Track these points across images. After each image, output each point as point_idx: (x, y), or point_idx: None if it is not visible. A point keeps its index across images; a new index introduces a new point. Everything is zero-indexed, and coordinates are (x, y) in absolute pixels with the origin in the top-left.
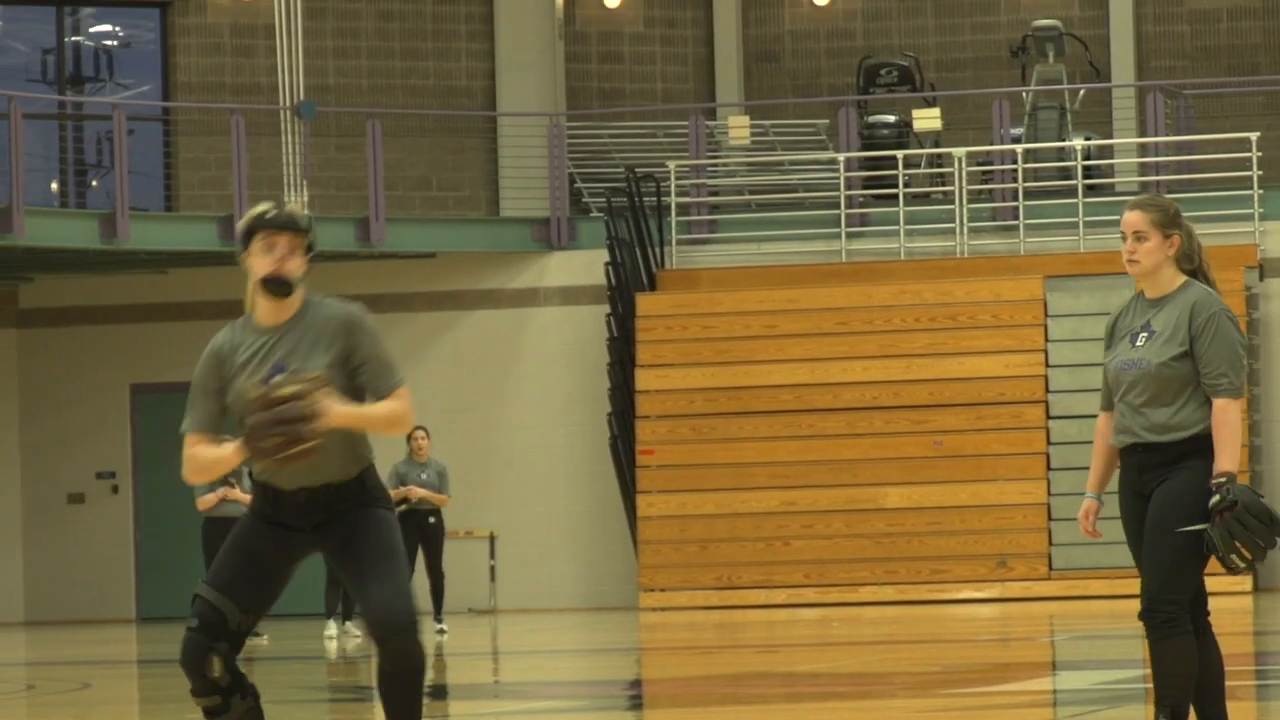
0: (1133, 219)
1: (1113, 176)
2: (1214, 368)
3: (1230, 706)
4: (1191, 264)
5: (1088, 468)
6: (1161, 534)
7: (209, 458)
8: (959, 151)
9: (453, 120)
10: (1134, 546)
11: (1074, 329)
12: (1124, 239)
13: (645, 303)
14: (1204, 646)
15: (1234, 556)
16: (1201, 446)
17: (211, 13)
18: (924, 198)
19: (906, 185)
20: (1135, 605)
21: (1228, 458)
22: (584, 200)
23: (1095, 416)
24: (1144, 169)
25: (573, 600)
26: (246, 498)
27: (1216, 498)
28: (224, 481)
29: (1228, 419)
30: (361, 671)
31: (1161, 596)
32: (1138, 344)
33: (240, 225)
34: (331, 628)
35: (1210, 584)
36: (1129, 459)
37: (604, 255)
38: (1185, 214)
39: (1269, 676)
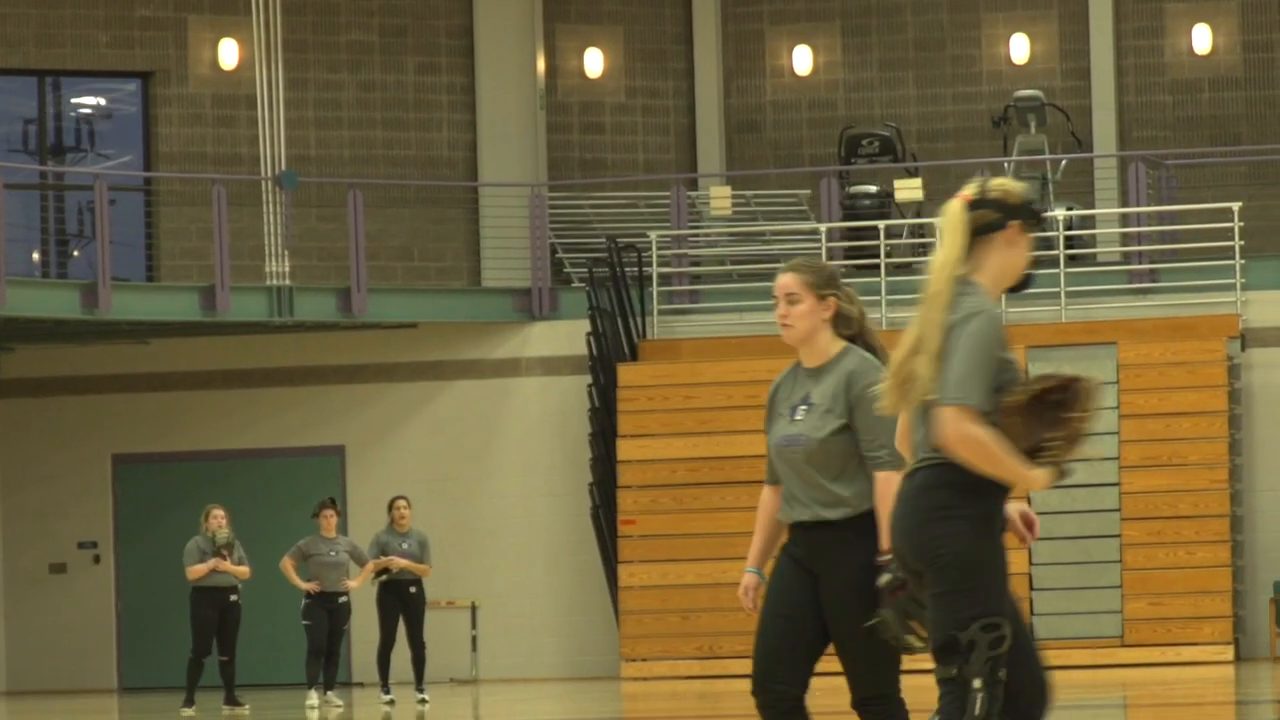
0: (785, 281)
1: (1095, 247)
2: (873, 439)
3: None
4: (850, 329)
5: (1070, 537)
6: (856, 632)
7: (999, 451)
8: (941, 222)
9: (434, 190)
10: (769, 615)
11: None
12: (776, 303)
13: (627, 373)
14: None
15: (910, 638)
16: (869, 525)
17: (193, 83)
18: (906, 268)
19: (888, 255)
20: (1117, 675)
21: (890, 534)
22: (565, 270)
23: (1079, 487)
24: (1126, 239)
25: (554, 670)
26: (240, 570)
27: (887, 577)
28: (215, 553)
29: (889, 492)
30: None
31: (869, 692)
32: (797, 418)
33: (1015, 199)
34: (313, 697)
35: (1191, 654)
36: (796, 533)
37: (585, 325)
38: (1169, 283)
39: None
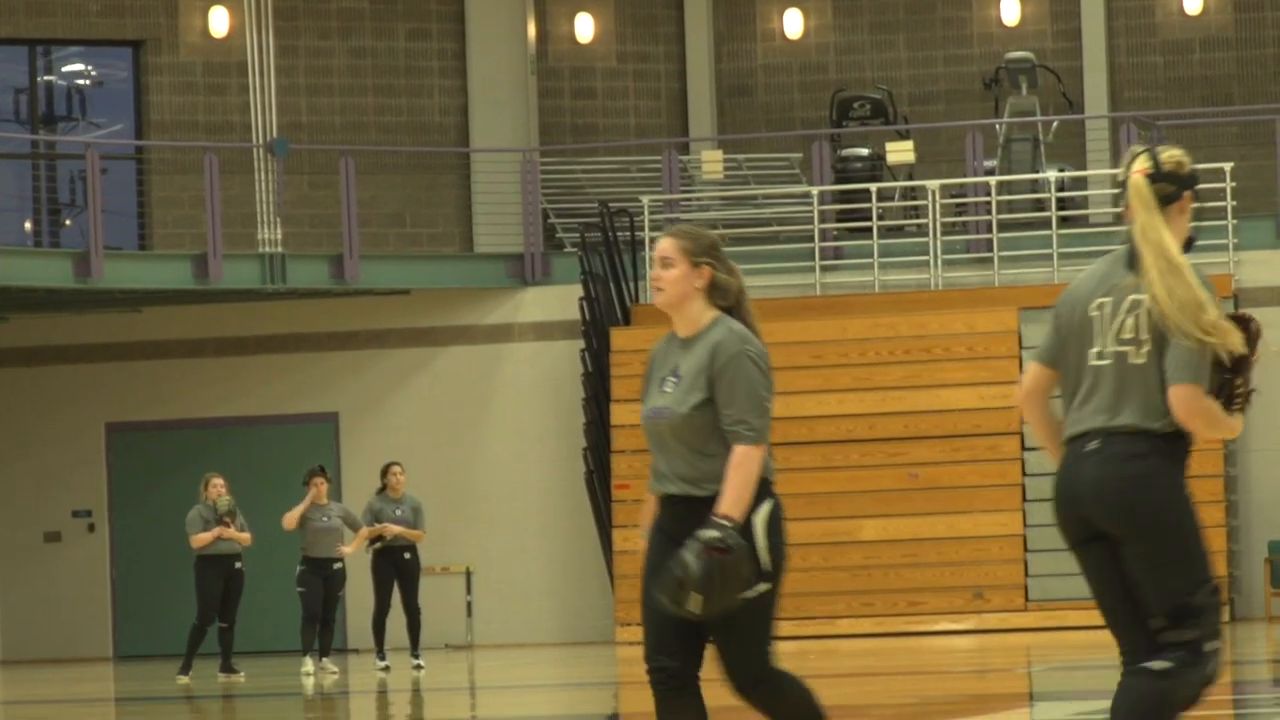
0: (662, 245)
1: (1086, 208)
2: (733, 413)
3: None
4: (727, 300)
5: None
6: (730, 616)
7: (1222, 414)
8: (932, 184)
9: (426, 157)
10: (648, 590)
11: None
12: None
13: (619, 337)
14: (689, 705)
15: (694, 596)
16: None
17: (184, 51)
18: (898, 230)
19: (880, 218)
20: (1111, 636)
21: (732, 502)
22: (558, 235)
23: None
24: (1118, 200)
25: (549, 635)
26: (244, 536)
27: (714, 533)
28: (218, 520)
29: (743, 463)
30: (338, 707)
31: (750, 668)
32: (665, 389)
33: (1186, 171)
34: (308, 664)
35: None
36: (666, 507)
37: (578, 290)
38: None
39: (1245, 706)
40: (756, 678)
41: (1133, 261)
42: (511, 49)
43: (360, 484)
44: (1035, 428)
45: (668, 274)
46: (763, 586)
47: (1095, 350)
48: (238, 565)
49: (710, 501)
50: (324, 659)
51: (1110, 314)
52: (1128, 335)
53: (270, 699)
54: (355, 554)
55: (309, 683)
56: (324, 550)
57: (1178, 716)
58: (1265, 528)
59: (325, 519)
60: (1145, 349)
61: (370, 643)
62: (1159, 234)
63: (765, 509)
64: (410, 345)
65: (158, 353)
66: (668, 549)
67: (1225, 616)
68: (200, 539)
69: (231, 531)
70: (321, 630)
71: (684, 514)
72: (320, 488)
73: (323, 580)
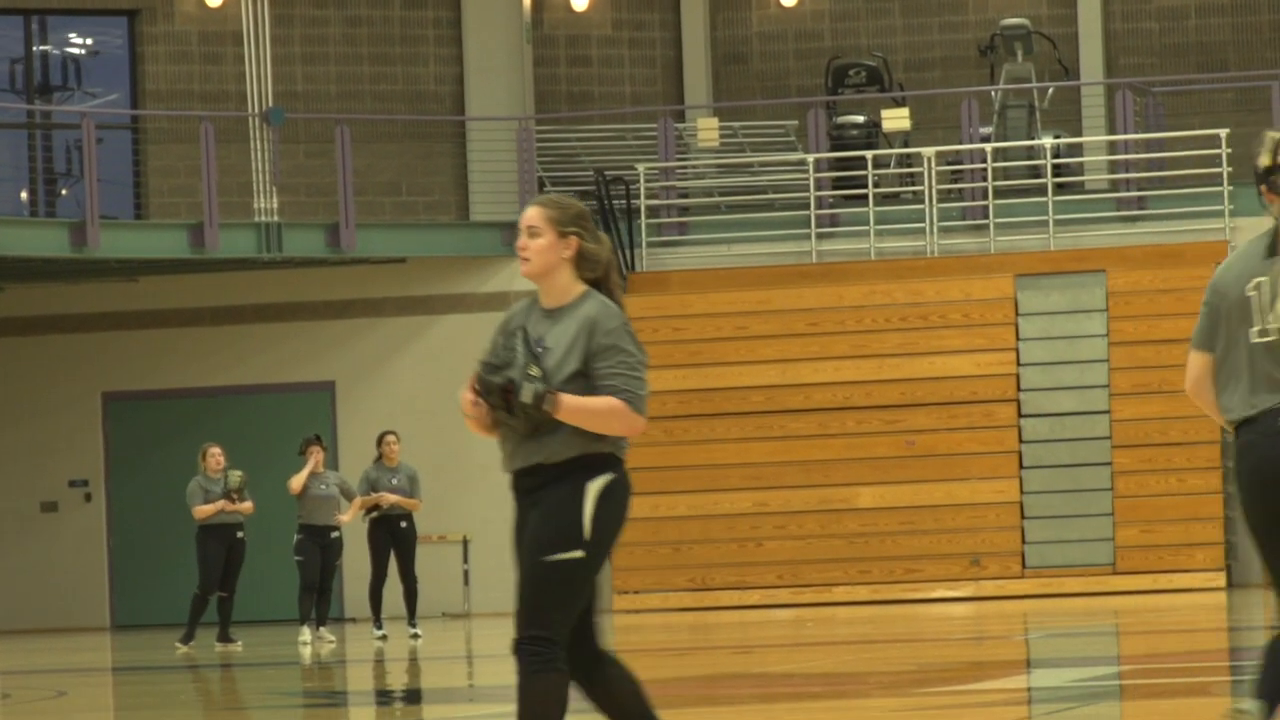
0: (528, 214)
1: (1082, 175)
2: (617, 383)
3: (1204, 703)
4: (594, 272)
5: (1061, 465)
6: (532, 564)
7: None
8: (928, 151)
9: (422, 125)
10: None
11: (1045, 327)
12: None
13: None
14: (613, 675)
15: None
16: (582, 466)
17: (179, 20)
18: (894, 198)
19: (876, 185)
20: (1109, 602)
21: (573, 405)
22: None
23: (1069, 415)
24: (1113, 167)
25: None
26: (246, 506)
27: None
28: (226, 495)
29: (614, 408)
30: (335, 676)
31: (530, 631)
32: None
33: None
34: (306, 633)
35: (1183, 581)
36: (518, 478)
37: None
38: (1157, 210)
39: (1242, 673)
40: (530, 638)
41: (1275, 244)
42: (507, 17)
43: (357, 452)
44: (1210, 411)
45: (534, 243)
46: (575, 554)
47: (1256, 329)
48: (240, 535)
49: (552, 470)
50: (321, 628)
51: (1269, 293)
52: None
53: (268, 668)
54: (352, 523)
55: (306, 652)
56: (322, 518)
57: None
58: None
59: (323, 487)
60: None
61: (367, 611)
62: None
63: (603, 480)
64: (406, 314)
65: (154, 322)
66: (523, 524)
67: (1223, 583)
68: (202, 511)
69: (234, 505)
70: (319, 599)
71: (531, 484)
72: (317, 456)
73: (321, 549)
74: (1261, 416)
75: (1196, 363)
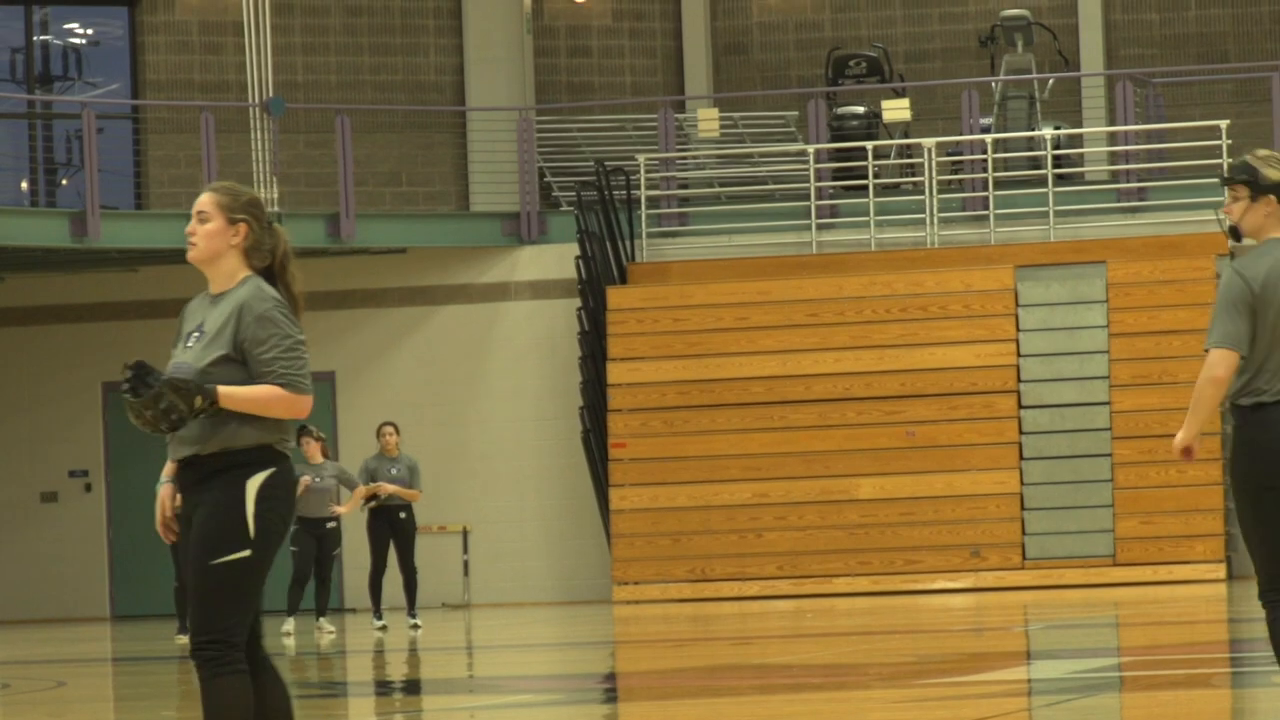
0: (200, 200)
1: (1083, 166)
2: (275, 367)
3: (1205, 695)
4: (265, 262)
5: (1061, 457)
6: (200, 569)
7: None
8: (928, 142)
9: (422, 115)
10: (179, 560)
11: (1045, 318)
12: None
13: (616, 296)
14: (267, 681)
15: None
16: (239, 463)
17: (180, 10)
18: (894, 189)
19: (876, 176)
20: (1109, 594)
21: (230, 393)
22: (554, 194)
23: (1070, 406)
24: (1114, 158)
25: (546, 594)
26: None
27: (185, 379)
28: None
29: (273, 394)
30: (335, 667)
31: (205, 636)
32: (188, 345)
33: None
34: (289, 624)
35: (1183, 572)
36: (182, 470)
37: (574, 249)
38: (1157, 201)
39: (1243, 664)
40: (205, 642)
41: None
42: (507, 7)
43: (356, 443)
44: (1214, 407)
45: (202, 228)
46: (243, 553)
47: None
48: None
49: (209, 460)
50: (321, 618)
51: None
52: None
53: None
54: (351, 514)
55: (290, 643)
56: (317, 510)
57: None
58: None
59: (318, 479)
60: None
61: (367, 602)
62: None
63: (262, 476)
64: (407, 304)
65: (154, 312)
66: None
67: (1223, 574)
68: None
69: None
70: (318, 590)
71: (191, 476)
72: (309, 447)
73: (316, 540)
74: None
75: (1228, 362)
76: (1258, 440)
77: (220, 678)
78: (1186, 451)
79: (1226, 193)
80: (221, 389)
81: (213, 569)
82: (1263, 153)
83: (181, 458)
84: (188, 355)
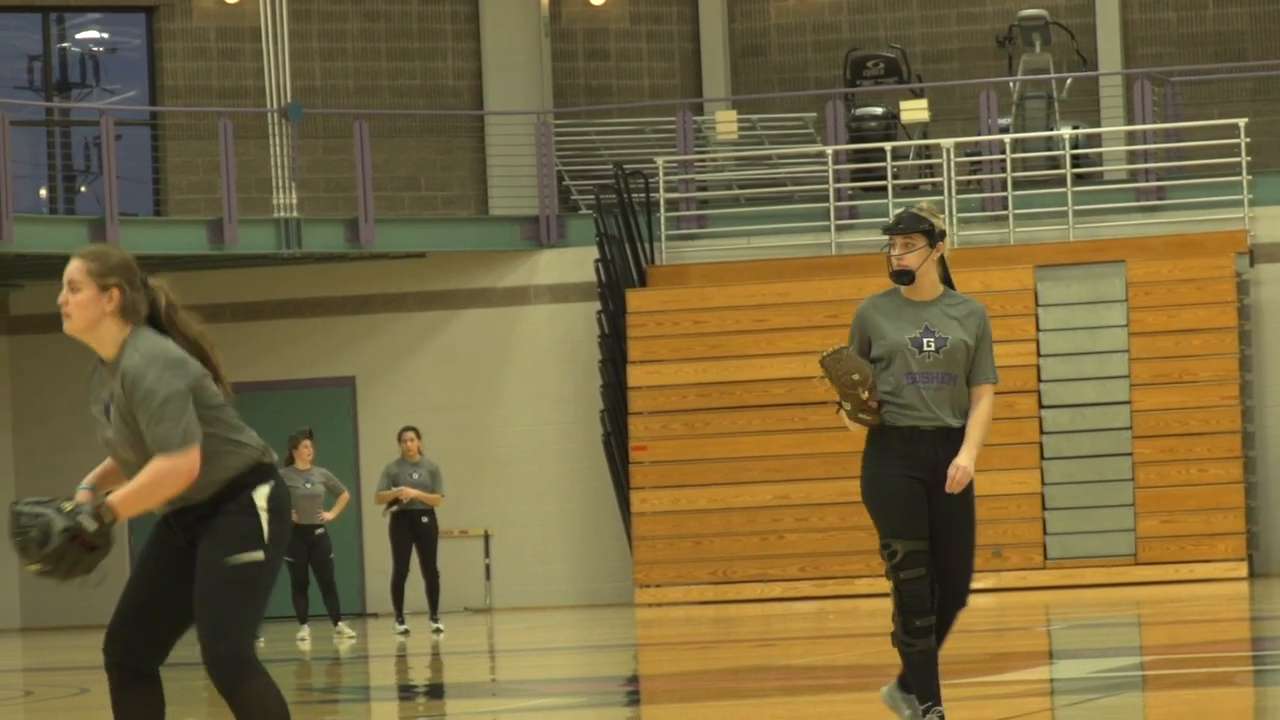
0: (70, 268)
1: (1101, 165)
2: (151, 434)
3: (1228, 693)
4: (143, 318)
5: (1082, 456)
6: (214, 574)
7: None
8: (947, 142)
9: (440, 120)
10: (134, 574)
11: (1065, 318)
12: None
13: (635, 299)
14: (149, 695)
15: (36, 565)
16: (238, 485)
17: (197, 17)
18: (913, 189)
19: (895, 177)
20: (1130, 593)
21: (124, 498)
22: (573, 198)
23: (1090, 406)
24: (1132, 157)
25: (568, 597)
26: None
27: (92, 523)
28: None
29: (154, 473)
30: (358, 671)
31: (220, 644)
32: (111, 419)
33: None
34: (303, 630)
35: (1204, 571)
36: (170, 518)
37: (593, 252)
38: (1176, 200)
39: (1265, 662)
40: (228, 660)
41: None
42: (525, 11)
43: (377, 447)
44: None
45: (74, 299)
46: (256, 555)
47: None
48: None
49: (205, 505)
50: (339, 623)
51: None
52: None
53: (290, 663)
54: (374, 517)
55: (305, 648)
56: (306, 517)
57: None
58: None
59: (308, 485)
60: None
61: (389, 607)
62: None
63: (266, 489)
64: (426, 309)
65: None
66: (167, 539)
67: (1245, 573)
68: None
69: None
70: (325, 596)
71: (196, 516)
72: (305, 452)
73: (307, 546)
74: None
75: None
76: None
77: (247, 681)
78: None
79: None
80: (113, 500)
81: (229, 569)
82: None
83: (175, 510)
84: (111, 433)
